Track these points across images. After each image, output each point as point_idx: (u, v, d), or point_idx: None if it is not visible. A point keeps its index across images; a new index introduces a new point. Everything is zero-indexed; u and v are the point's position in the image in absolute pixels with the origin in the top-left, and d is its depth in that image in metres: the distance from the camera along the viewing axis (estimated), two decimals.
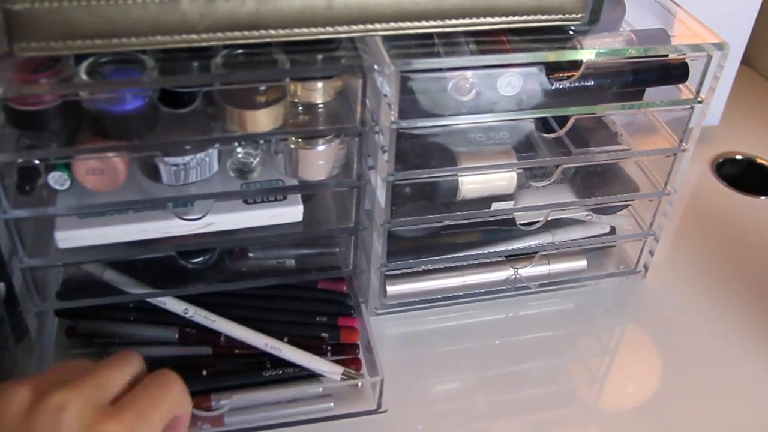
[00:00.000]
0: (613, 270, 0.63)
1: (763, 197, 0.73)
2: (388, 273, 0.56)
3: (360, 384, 0.51)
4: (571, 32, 0.52)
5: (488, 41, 0.52)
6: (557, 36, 0.52)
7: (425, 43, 0.50)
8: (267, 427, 0.50)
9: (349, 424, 0.51)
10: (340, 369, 0.50)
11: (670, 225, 0.69)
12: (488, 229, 0.58)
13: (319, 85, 0.48)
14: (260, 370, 0.51)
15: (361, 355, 0.53)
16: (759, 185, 0.76)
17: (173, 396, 0.37)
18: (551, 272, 0.60)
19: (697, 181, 0.76)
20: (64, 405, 0.33)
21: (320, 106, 0.49)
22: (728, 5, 0.72)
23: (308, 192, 0.51)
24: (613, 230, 0.62)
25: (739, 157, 0.78)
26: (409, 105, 0.48)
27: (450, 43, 0.51)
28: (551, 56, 0.49)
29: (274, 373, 0.50)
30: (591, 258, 0.63)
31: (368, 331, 0.53)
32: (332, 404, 0.51)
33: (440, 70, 0.48)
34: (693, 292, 0.63)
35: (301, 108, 0.49)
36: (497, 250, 0.57)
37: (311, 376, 0.51)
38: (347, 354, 0.53)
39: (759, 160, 0.78)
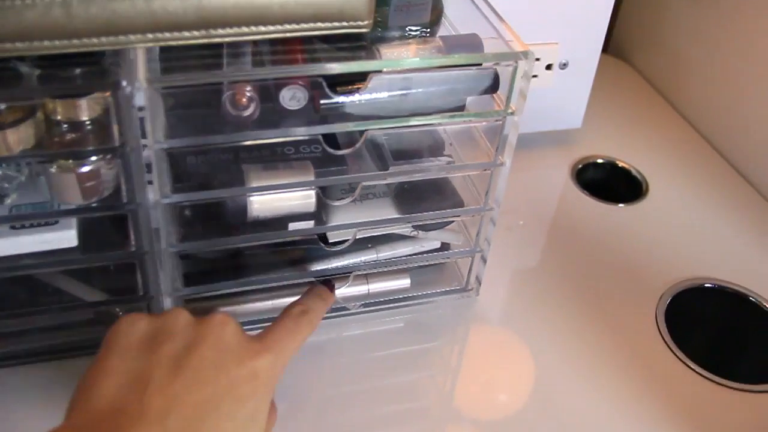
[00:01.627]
0: (446, 288, 0.60)
1: (621, 204, 0.70)
2: (187, 297, 0.52)
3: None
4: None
5: (280, 51, 0.49)
6: (354, 44, 0.49)
7: (209, 54, 0.47)
8: None
9: None
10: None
11: (538, 233, 0.67)
12: (300, 248, 0.54)
13: (82, 101, 0.44)
14: None
15: None
16: (621, 189, 0.73)
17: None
18: (371, 292, 0.56)
19: (559, 187, 0.73)
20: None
21: (87, 122, 0.45)
22: None
23: (74, 216, 0.47)
24: (447, 246, 0.59)
25: (600, 160, 0.75)
26: (177, 121, 0.45)
27: (235, 54, 0.48)
28: (333, 69, 0.45)
29: None
30: (425, 274, 0.60)
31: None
32: None
33: (204, 85, 0.44)
34: (538, 303, 0.60)
35: (66, 126, 0.45)
36: (313, 269, 0.54)
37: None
38: None
39: (620, 164, 0.75)
